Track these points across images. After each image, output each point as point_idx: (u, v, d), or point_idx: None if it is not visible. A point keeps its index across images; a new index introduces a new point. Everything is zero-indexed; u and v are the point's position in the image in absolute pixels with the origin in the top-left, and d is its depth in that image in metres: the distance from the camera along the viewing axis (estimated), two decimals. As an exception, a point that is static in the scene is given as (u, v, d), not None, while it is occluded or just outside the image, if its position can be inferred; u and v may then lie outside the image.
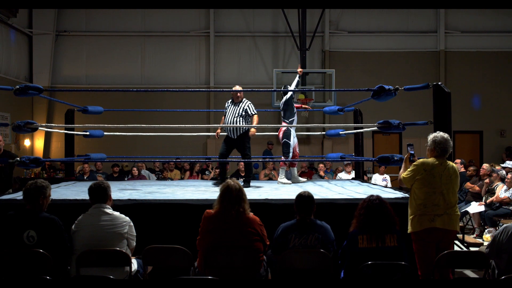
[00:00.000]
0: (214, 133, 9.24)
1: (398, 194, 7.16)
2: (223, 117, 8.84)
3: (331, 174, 13.90)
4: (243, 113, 8.49)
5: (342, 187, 8.70)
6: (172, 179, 13.21)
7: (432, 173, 5.23)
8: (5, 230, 4.84)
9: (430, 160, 5.32)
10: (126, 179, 13.15)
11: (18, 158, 7.33)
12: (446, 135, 5.40)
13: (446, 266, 4.86)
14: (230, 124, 8.47)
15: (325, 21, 17.62)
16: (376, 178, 12.87)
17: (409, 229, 5.32)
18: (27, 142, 16.72)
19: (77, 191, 7.88)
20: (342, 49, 17.79)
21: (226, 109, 8.73)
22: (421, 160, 5.36)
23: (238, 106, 8.56)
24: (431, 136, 5.43)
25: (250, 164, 8.75)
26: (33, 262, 4.66)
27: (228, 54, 17.83)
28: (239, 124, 8.45)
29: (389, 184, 12.73)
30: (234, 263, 4.79)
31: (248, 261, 4.82)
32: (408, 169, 5.35)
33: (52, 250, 4.78)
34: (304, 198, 5.18)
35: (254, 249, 4.86)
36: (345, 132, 10.33)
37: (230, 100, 8.75)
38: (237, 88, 8.60)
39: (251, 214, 4.99)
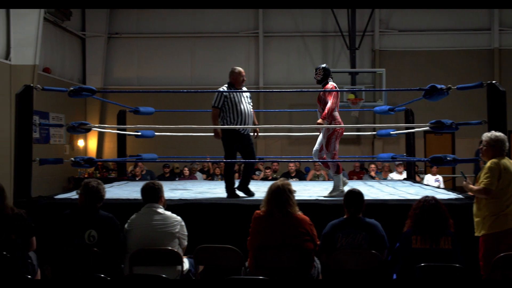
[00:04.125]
0: (263, 133, 9.26)
1: (452, 195, 7.05)
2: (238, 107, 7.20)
3: (380, 174, 13.75)
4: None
5: (394, 188, 8.61)
6: (223, 180, 13.28)
7: (509, 171, 5.12)
8: (64, 229, 4.94)
9: (497, 159, 5.20)
10: (177, 179, 13.29)
11: None
12: (503, 135, 5.29)
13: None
14: (249, 116, 7.28)
15: (375, 20, 17.42)
16: (429, 178, 12.67)
17: (482, 231, 5.18)
18: (81, 143, 17.07)
19: (130, 190, 8.02)
20: (392, 48, 17.57)
21: (233, 98, 7.17)
22: (492, 160, 5.22)
23: (245, 94, 7.41)
24: (487, 136, 5.31)
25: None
26: (91, 261, 4.75)
27: (277, 54, 17.82)
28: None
29: (442, 185, 12.51)
30: (284, 263, 4.78)
31: (298, 261, 4.81)
32: (485, 174, 5.18)
33: (110, 249, 4.87)
34: (353, 194, 5.15)
35: (305, 249, 4.84)
36: (396, 132, 10.21)
37: (228, 86, 7.31)
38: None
39: (301, 213, 4.98)
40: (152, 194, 5.17)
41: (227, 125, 7.08)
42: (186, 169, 13.75)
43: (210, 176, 13.84)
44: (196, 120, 14.91)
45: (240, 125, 7.08)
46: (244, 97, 7.24)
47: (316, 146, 7.40)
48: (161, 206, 5.15)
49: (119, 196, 7.08)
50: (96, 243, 4.86)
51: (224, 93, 7.10)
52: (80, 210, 5.03)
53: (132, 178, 12.70)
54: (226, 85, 7.27)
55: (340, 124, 7.24)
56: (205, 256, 5.11)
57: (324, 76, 7.35)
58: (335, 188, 7.19)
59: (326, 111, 7.03)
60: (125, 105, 9.94)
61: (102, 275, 4.16)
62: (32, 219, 5.21)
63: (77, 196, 5.28)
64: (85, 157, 7.44)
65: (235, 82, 7.30)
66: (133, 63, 18.00)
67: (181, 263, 4.94)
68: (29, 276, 4.73)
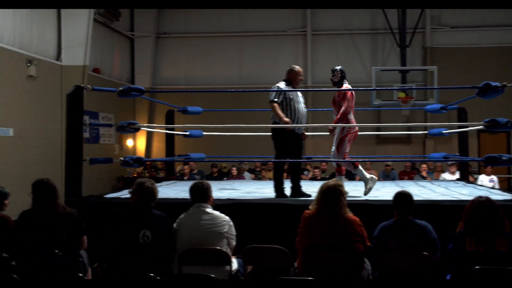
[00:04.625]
0: (312, 133, 9.20)
1: (507, 196, 6.88)
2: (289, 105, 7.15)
3: (432, 174, 13.54)
4: None
5: (446, 188, 8.46)
6: (271, 179, 13.29)
7: None
8: (116, 228, 5.00)
9: None
10: (225, 179, 13.36)
11: None
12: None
13: None
14: (303, 116, 7.26)
15: (426, 16, 17.14)
16: (483, 179, 12.40)
17: None
18: (129, 142, 17.32)
19: (178, 190, 8.10)
20: (444, 45, 17.26)
21: (289, 95, 7.12)
22: None
23: (299, 93, 7.37)
24: None
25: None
26: (145, 261, 4.81)
27: (325, 53, 17.72)
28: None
29: (497, 186, 12.24)
30: (334, 265, 4.75)
31: (348, 262, 4.77)
32: None
33: (162, 248, 4.93)
34: (402, 196, 5.08)
35: (355, 250, 4.80)
36: (448, 131, 10.03)
37: (285, 83, 7.23)
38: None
39: (351, 214, 4.94)
40: (200, 194, 5.20)
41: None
42: (234, 168, 13.81)
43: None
44: (244, 119, 14.91)
45: (296, 124, 7.03)
46: (299, 96, 7.21)
47: (333, 147, 7.33)
48: (209, 206, 5.18)
49: (168, 196, 7.16)
50: (149, 242, 4.91)
51: (282, 90, 7.06)
52: (133, 210, 5.09)
53: (180, 177, 12.82)
54: (284, 82, 7.21)
55: (354, 128, 7.23)
56: (253, 256, 5.11)
57: (341, 78, 7.28)
58: (365, 181, 7.16)
59: (339, 115, 7.02)
60: (174, 105, 10.05)
61: (152, 275, 4.20)
62: (83, 218, 5.31)
63: (127, 195, 5.35)
64: (134, 157, 7.53)
65: (293, 80, 7.24)
66: (181, 62, 18.17)
67: (229, 263, 4.96)
68: (80, 275, 4.83)
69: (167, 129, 10.29)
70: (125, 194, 7.34)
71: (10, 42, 11.67)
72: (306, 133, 7.59)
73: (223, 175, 14.27)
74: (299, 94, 7.26)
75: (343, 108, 7.02)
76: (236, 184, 10.06)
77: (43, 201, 5.16)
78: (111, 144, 16.28)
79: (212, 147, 14.99)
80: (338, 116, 7.01)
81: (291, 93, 7.07)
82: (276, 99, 7.01)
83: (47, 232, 5.02)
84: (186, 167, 13.64)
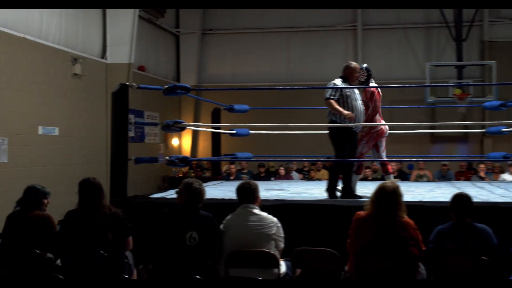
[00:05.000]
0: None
1: None
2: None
3: (491, 175, 13.25)
4: None
5: (506, 190, 8.27)
6: (320, 180, 13.24)
7: None
8: (162, 228, 5.04)
9: None
10: (272, 179, 13.36)
11: None
12: None
13: None
14: (361, 114, 7.17)
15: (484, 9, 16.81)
16: (545, 179, 12.09)
17: None
18: (175, 141, 17.48)
19: (224, 190, 8.13)
20: (503, 38, 16.84)
21: (346, 92, 7.03)
22: None
23: (356, 91, 7.30)
24: None
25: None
26: (190, 262, 4.84)
27: (377, 48, 17.53)
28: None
29: (561, 187, 11.90)
30: (387, 269, 4.69)
31: (402, 267, 4.70)
32: None
33: (209, 250, 4.95)
34: (461, 197, 4.98)
35: (409, 254, 4.73)
36: (508, 129, 9.79)
37: (342, 80, 7.17)
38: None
39: (406, 217, 4.86)
40: (248, 194, 5.20)
41: (340, 121, 6.96)
42: (281, 168, 13.79)
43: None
44: (292, 118, 14.86)
45: (354, 122, 6.97)
46: (356, 94, 7.15)
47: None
48: (257, 207, 5.17)
49: (214, 196, 7.18)
50: (196, 244, 4.93)
51: (339, 87, 7.01)
52: (179, 210, 5.12)
53: (227, 177, 12.87)
54: (340, 79, 7.15)
55: (380, 129, 7.30)
56: (302, 259, 5.09)
57: (368, 76, 7.26)
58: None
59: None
60: (220, 103, 10.10)
61: (198, 277, 4.23)
62: (128, 218, 5.37)
63: (173, 196, 5.39)
64: (180, 156, 7.59)
65: (350, 77, 7.16)
66: (227, 59, 18.25)
67: (277, 266, 4.95)
68: (126, 276, 4.90)
69: (213, 127, 10.34)
70: (171, 194, 7.41)
71: (55, 40, 11.92)
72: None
73: (270, 175, 14.27)
74: (356, 91, 7.17)
75: (369, 111, 7.16)
76: (284, 184, 10.04)
77: (89, 201, 5.25)
78: (156, 143, 16.46)
79: (259, 146, 14.99)
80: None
81: (348, 90, 7.00)
82: (332, 96, 6.96)
83: (92, 233, 5.11)
84: (232, 166, 13.68)
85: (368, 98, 7.14)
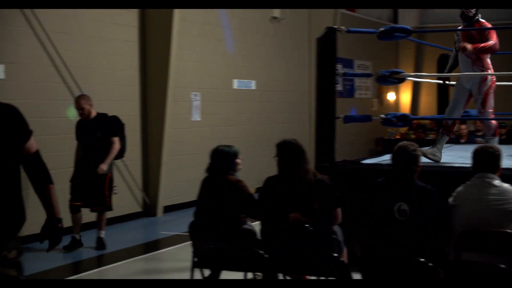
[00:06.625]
0: None
1: None
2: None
3: None
4: None
5: None
6: None
7: None
8: (377, 201, 5.04)
9: None
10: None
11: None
12: None
13: None
14: None
15: None
16: None
17: None
18: (391, 96, 17.35)
19: (453, 156, 7.93)
20: None
21: None
22: None
23: None
24: None
25: None
26: (407, 240, 4.80)
27: None
28: None
29: None
30: None
31: None
32: None
33: (426, 227, 4.87)
34: None
35: None
36: None
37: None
38: None
39: None
40: (488, 161, 4.99)
41: None
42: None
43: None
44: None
45: None
46: None
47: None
48: (497, 177, 4.96)
49: (440, 163, 7.03)
50: (407, 219, 4.87)
51: None
52: (393, 180, 5.08)
53: (456, 140, 12.53)
54: None
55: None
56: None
57: (476, 11, 7.11)
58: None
59: (485, 45, 6.80)
60: (448, 47, 9.79)
61: (423, 260, 4.18)
62: (336, 187, 5.42)
63: (389, 162, 5.35)
64: (398, 114, 7.51)
65: None
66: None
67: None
68: (335, 255, 4.95)
69: (439, 78, 10.06)
70: (385, 160, 7.37)
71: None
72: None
73: (514, 136, 13.66)
74: None
75: (491, 42, 6.85)
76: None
77: (289, 166, 5.36)
78: (368, 98, 16.46)
79: (502, 100, 14.23)
80: (485, 44, 6.81)
81: None
82: None
83: (294, 202, 5.23)
84: (463, 127, 13.26)
85: (485, 33, 7.02)
